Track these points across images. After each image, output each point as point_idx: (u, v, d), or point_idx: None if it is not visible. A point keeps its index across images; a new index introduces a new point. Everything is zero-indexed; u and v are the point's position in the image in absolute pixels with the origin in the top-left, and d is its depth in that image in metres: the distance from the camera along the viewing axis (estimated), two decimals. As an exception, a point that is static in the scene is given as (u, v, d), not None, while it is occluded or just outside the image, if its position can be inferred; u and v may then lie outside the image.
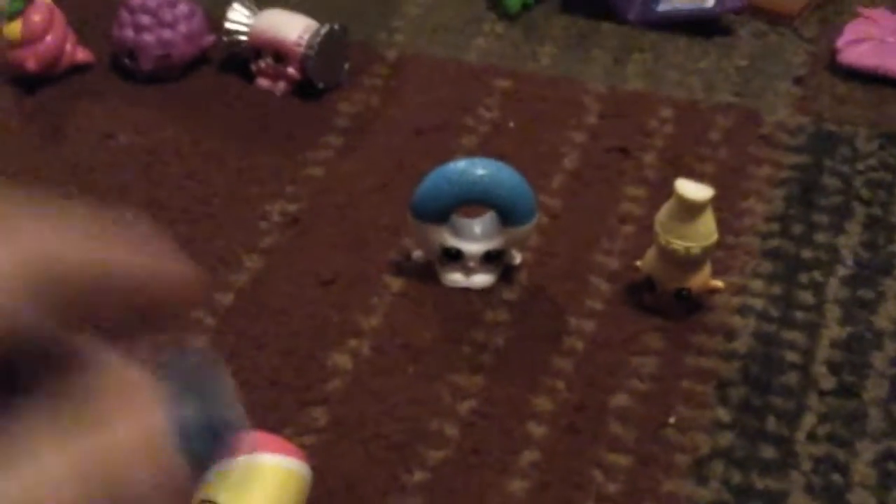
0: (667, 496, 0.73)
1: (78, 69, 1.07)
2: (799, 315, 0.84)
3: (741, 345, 0.82)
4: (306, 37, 1.00)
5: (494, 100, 1.04)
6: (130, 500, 0.37)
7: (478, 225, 0.86)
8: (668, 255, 0.81)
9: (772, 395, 0.79)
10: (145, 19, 1.02)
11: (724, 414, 0.78)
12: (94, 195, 0.94)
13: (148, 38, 1.02)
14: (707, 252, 0.81)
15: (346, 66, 1.03)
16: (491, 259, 0.86)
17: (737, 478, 0.74)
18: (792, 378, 0.80)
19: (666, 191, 0.88)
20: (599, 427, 0.77)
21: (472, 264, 0.86)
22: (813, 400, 0.79)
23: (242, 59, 1.04)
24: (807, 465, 0.75)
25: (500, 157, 0.86)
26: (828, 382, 0.80)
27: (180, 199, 0.94)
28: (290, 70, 1.00)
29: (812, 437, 0.77)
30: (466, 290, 0.86)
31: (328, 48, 1.01)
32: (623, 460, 0.75)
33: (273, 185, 0.95)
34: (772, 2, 1.12)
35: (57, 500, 0.35)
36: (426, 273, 0.87)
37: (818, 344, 0.82)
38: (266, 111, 1.03)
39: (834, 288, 0.86)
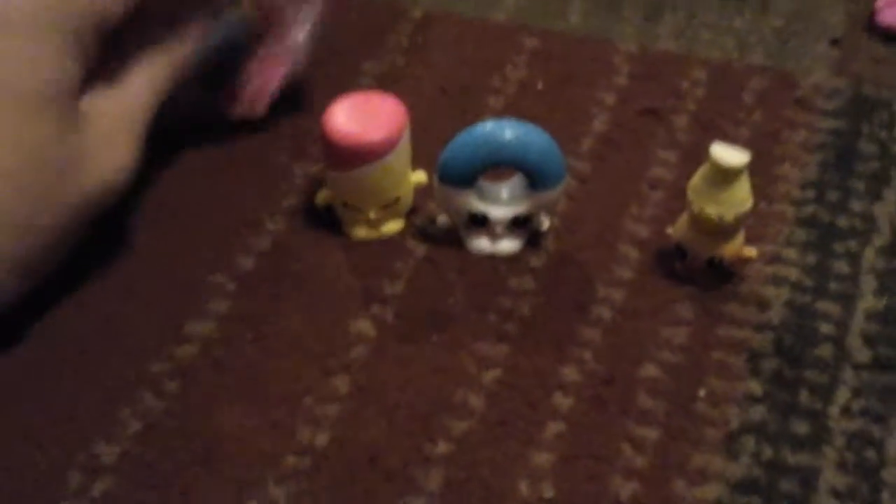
0: (696, 471, 0.72)
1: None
2: (833, 285, 0.82)
3: (774, 315, 0.80)
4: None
5: (522, 59, 1.02)
6: None
7: (505, 189, 0.84)
8: (700, 221, 0.79)
9: (805, 367, 0.77)
10: None
11: (755, 387, 0.76)
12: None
13: None
14: (741, 220, 0.79)
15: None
16: (518, 224, 0.84)
17: (768, 453, 0.72)
18: (826, 350, 0.78)
19: (698, 155, 0.85)
20: (627, 399, 0.75)
21: (498, 230, 0.84)
22: (847, 373, 0.77)
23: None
24: (840, 441, 0.73)
25: (528, 118, 0.83)
26: (863, 355, 0.78)
27: (202, 158, 0.92)
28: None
29: (846, 411, 0.75)
30: (492, 257, 0.84)
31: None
32: (651, 433, 0.73)
33: (296, 147, 0.93)
34: (809, -40, 1.09)
35: None
36: (451, 238, 0.85)
37: (853, 315, 0.80)
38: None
39: (870, 258, 0.84)
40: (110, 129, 0.79)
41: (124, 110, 0.81)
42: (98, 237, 0.85)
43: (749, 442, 0.73)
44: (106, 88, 0.80)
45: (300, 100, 0.97)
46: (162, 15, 0.84)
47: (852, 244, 0.85)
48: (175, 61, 0.84)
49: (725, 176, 0.77)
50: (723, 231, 0.79)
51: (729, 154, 0.77)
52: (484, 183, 0.84)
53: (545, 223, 0.86)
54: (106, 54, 0.79)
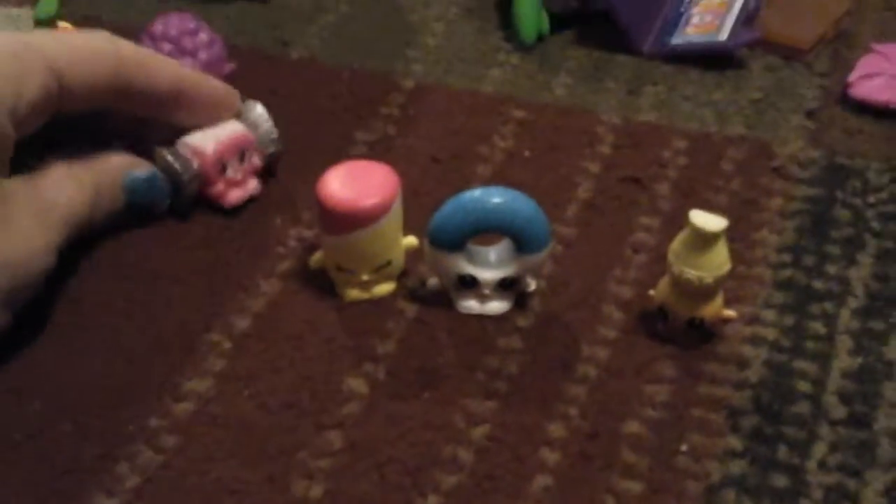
0: (678, 523, 0.74)
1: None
2: (810, 345, 0.85)
3: (753, 374, 0.83)
4: (252, 114, 0.96)
5: (510, 129, 1.05)
6: None
7: (493, 252, 0.87)
8: (681, 284, 0.82)
9: (783, 424, 0.80)
10: (166, 47, 1.03)
11: (735, 442, 0.78)
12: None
13: None
14: (720, 282, 0.82)
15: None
16: (505, 286, 0.87)
17: (748, 506, 0.75)
18: (803, 407, 0.81)
19: (679, 221, 0.89)
20: (612, 454, 0.78)
21: (486, 291, 0.87)
22: (824, 429, 0.79)
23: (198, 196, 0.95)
24: (818, 494, 0.75)
25: (516, 185, 0.86)
26: (839, 412, 0.80)
27: (199, 224, 0.95)
28: (255, 160, 0.95)
29: (823, 465, 0.77)
30: (481, 317, 0.87)
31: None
32: (635, 487, 0.76)
33: (290, 211, 0.96)
34: (785, 37, 1.14)
35: None
36: (441, 300, 0.88)
37: (829, 374, 0.83)
38: (284, 137, 1.03)
39: (845, 319, 0.87)
40: (27, 214, 0.81)
41: (44, 203, 0.83)
42: (94, 295, 0.88)
43: (730, 495, 0.75)
44: (31, 178, 0.84)
45: (295, 168, 1.01)
46: (122, 124, 0.92)
47: (828, 306, 0.88)
48: (108, 175, 0.89)
49: (704, 240, 0.80)
50: (703, 293, 0.82)
51: (708, 220, 0.80)
52: (473, 247, 0.87)
53: (532, 285, 0.89)
54: (40, 148, 0.85)
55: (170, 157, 0.91)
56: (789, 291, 0.90)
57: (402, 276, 0.90)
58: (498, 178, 0.99)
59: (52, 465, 0.77)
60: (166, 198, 0.93)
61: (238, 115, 0.95)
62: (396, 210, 0.87)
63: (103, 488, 0.75)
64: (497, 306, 0.88)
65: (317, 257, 0.89)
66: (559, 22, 1.17)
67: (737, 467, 0.77)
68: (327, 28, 1.19)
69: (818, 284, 0.90)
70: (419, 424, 0.79)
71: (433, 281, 0.89)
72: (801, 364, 0.84)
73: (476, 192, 0.85)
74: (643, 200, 0.98)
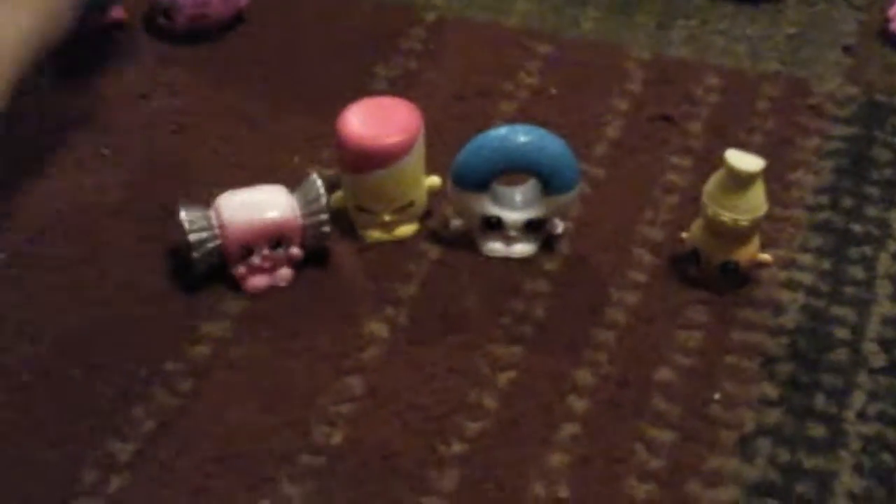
0: (711, 473, 0.71)
1: (111, 28, 1.05)
2: (849, 290, 0.82)
3: (789, 320, 0.80)
4: (298, 206, 0.82)
5: (535, 65, 1.02)
6: None
7: (519, 193, 0.84)
8: (715, 226, 0.79)
9: (820, 371, 0.77)
10: None
11: (770, 390, 0.76)
12: (127, 157, 0.93)
13: None
14: (756, 224, 0.79)
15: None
16: (532, 228, 0.84)
17: (784, 456, 0.72)
18: (841, 355, 0.78)
19: (711, 161, 0.86)
20: (642, 402, 0.75)
21: (512, 233, 0.84)
22: (863, 377, 0.77)
23: (218, 267, 0.82)
24: (856, 444, 0.73)
25: (541, 123, 0.83)
26: (878, 360, 0.78)
27: (214, 164, 0.92)
28: (294, 251, 0.82)
29: (862, 415, 0.74)
30: (506, 260, 0.84)
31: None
32: (666, 436, 0.73)
33: (309, 149, 0.93)
34: (822, -32, 1.09)
35: None
36: (465, 242, 0.85)
37: (868, 320, 0.80)
38: (302, 75, 1.01)
39: (885, 263, 0.84)
40: None
41: None
42: (106, 232, 0.86)
43: (764, 445, 0.73)
44: None
45: (314, 104, 0.97)
46: None
47: (867, 249, 0.85)
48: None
49: (741, 181, 0.77)
50: (737, 236, 0.79)
51: (744, 160, 0.77)
52: (498, 187, 0.84)
53: (559, 227, 0.86)
54: None
55: (186, 225, 0.80)
56: (827, 234, 0.86)
57: (424, 217, 0.87)
58: (523, 116, 0.95)
59: (64, 409, 0.74)
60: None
61: (295, 186, 0.83)
62: (419, 149, 0.84)
63: (118, 432, 0.73)
64: (523, 249, 0.85)
65: (337, 197, 0.87)
66: (587, -47, 1.13)
67: (772, 416, 0.74)
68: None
69: (857, 227, 0.87)
70: (442, 370, 0.77)
71: (457, 222, 0.86)
72: (839, 310, 0.81)
73: (502, 131, 0.82)
74: (674, 139, 0.94)
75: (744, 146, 0.89)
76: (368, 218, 0.86)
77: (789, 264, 0.84)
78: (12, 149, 0.92)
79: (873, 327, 0.79)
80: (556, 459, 0.72)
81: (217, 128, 0.95)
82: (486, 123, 0.93)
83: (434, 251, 0.85)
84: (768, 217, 0.81)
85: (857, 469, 0.71)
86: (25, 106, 0.97)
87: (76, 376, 0.76)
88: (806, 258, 0.84)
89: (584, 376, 0.77)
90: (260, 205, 0.81)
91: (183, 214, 0.80)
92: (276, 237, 0.81)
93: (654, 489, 0.70)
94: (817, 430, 0.73)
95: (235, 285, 0.82)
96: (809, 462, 0.72)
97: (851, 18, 1.07)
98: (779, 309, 0.81)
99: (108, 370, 0.77)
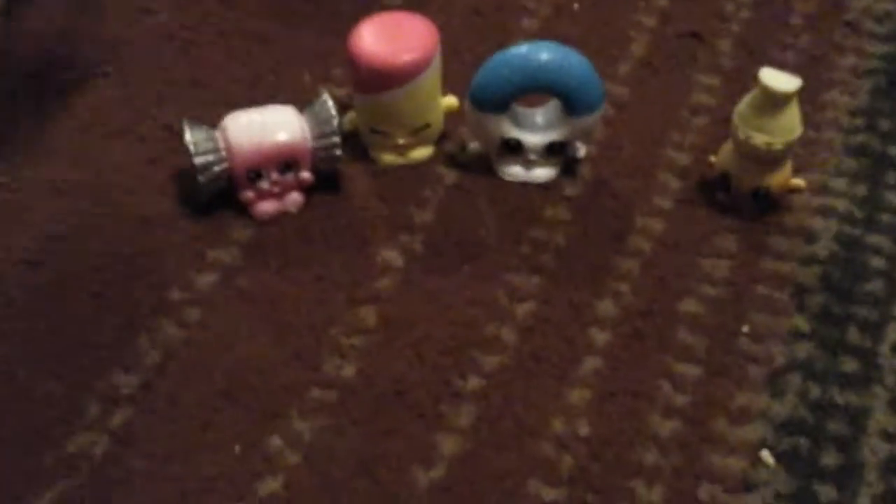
0: (739, 409, 0.68)
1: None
2: (885, 217, 0.79)
3: (821, 248, 0.77)
4: (308, 127, 0.79)
5: (557, -21, 0.97)
6: None
7: (540, 115, 0.80)
8: (747, 150, 0.75)
9: (854, 303, 0.74)
10: None
11: (801, 323, 0.73)
12: (131, 75, 0.89)
13: None
14: (789, 148, 0.75)
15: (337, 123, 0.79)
16: (553, 151, 0.80)
17: (815, 392, 0.69)
18: (876, 285, 0.75)
19: (742, 80, 0.82)
20: (667, 334, 0.72)
21: (532, 157, 0.80)
22: (898, 310, 0.73)
23: (225, 191, 0.79)
24: (891, 380, 0.70)
25: (564, 40, 0.79)
26: (915, 291, 0.74)
27: (222, 82, 0.89)
28: (304, 175, 0.79)
29: (897, 349, 0.71)
30: (525, 185, 0.81)
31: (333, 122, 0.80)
32: (692, 371, 0.70)
33: (320, 66, 0.90)
34: None
35: None
36: (483, 165, 0.82)
37: (905, 249, 0.77)
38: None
39: (923, 189, 0.80)
40: None
41: None
42: (111, 155, 0.83)
43: (795, 380, 0.70)
44: None
45: (325, 20, 0.93)
46: None
47: (904, 175, 0.81)
48: None
49: (775, 102, 0.73)
50: (770, 160, 0.76)
51: (779, 79, 0.73)
52: (518, 108, 0.80)
53: (581, 150, 0.82)
54: None
55: (191, 147, 0.76)
56: (862, 158, 0.82)
57: (440, 140, 0.84)
58: (544, 33, 0.91)
59: (68, 339, 0.72)
60: None
61: (305, 106, 0.80)
62: (435, 67, 0.80)
63: (122, 364, 0.71)
64: (543, 173, 0.81)
65: (350, 118, 0.83)
66: None
67: (803, 350, 0.71)
68: None
69: (893, 151, 0.83)
70: (459, 300, 0.74)
71: (474, 145, 0.83)
72: (874, 238, 0.77)
73: (522, 48, 0.78)
74: (703, 57, 0.90)
75: (776, 64, 0.85)
76: (382, 140, 0.82)
77: (823, 190, 0.80)
78: (12, 66, 0.89)
79: (911, 257, 0.76)
80: (577, 395, 0.69)
81: (224, 44, 0.92)
82: (506, 40, 0.89)
83: (450, 175, 0.82)
84: (801, 140, 0.77)
85: (892, 405, 0.69)
86: (25, 20, 0.94)
87: (80, 305, 0.74)
88: (840, 183, 0.81)
89: (606, 307, 0.74)
90: (268, 126, 0.78)
91: (188, 136, 0.77)
92: (285, 160, 0.78)
93: (678, 426, 0.68)
94: (850, 365, 0.71)
95: (244, 210, 0.79)
96: (842, 398, 0.69)
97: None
98: (811, 237, 0.77)
99: (112, 299, 0.74)
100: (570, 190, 0.81)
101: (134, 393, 0.70)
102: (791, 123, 0.74)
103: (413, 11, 0.83)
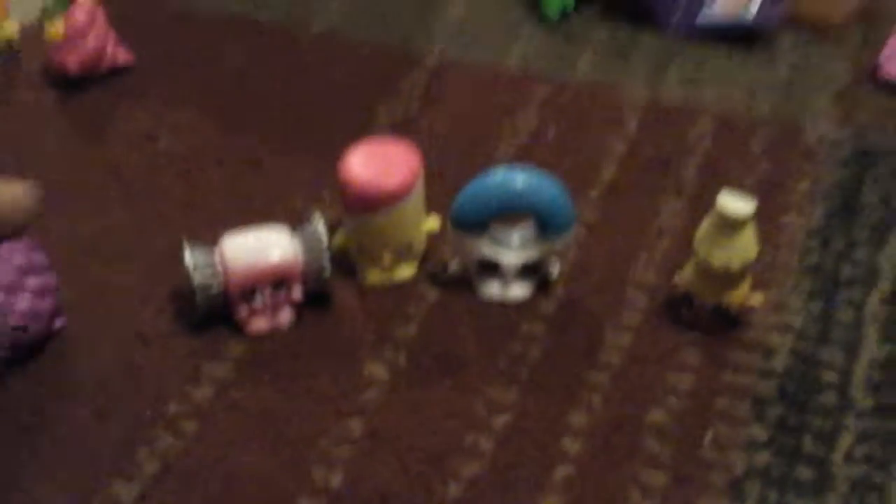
0: (702, 515, 0.73)
1: (119, 70, 1.07)
2: (837, 333, 0.84)
3: (779, 362, 0.82)
4: (300, 248, 0.83)
5: (533, 108, 1.04)
6: None
7: (516, 235, 0.86)
8: (707, 269, 0.81)
9: (809, 413, 0.78)
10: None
11: (760, 432, 0.77)
12: (133, 199, 0.95)
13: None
14: (747, 267, 0.81)
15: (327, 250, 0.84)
16: (528, 270, 0.86)
17: (773, 498, 0.74)
18: (829, 397, 0.80)
19: (705, 203, 0.87)
20: (635, 443, 0.77)
21: (509, 275, 0.86)
22: (850, 420, 0.78)
23: (219, 311, 0.84)
24: (844, 487, 0.74)
25: (538, 166, 0.85)
26: (865, 403, 0.79)
27: (219, 204, 0.94)
28: (295, 293, 0.84)
29: (849, 457, 0.76)
30: (503, 302, 0.86)
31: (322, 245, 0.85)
32: (659, 478, 0.75)
33: (311, 189, 0.95)
34: (813, 14, 1.11)
35: None
36: (463, 284, 0.87)
37: (856, 363, 0.82)
38: (306, 115, 1.03)
39: (873, 306, 0.86)
40: None
41: None
42: (113, 276, 0.87)
43: (754, 487, 0.74)
44: None
45: (316, 146, 0.99)
46: None
47: (856, 293, 0.87)
48: None
49: (732, 224, 0.79)
50: (729, 278, 0.81)
51: (736, 203, 0.79)
52: (496, 229, 0.86)
53: (555, 269, 0.87)
54: None
55: (191, 268, 0.81)
56: (817, 277, 0.88)
57: (423, 260, 0.89)
58: (521, 158, 0.98)
59: (70, 450, 0.76)
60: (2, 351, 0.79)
61: (297, 227, 0.85)
62: (418, 191, 0.86)
63: (123, 474, 0.75)
64: (520, 291, 0.87)
65: (338, 238, 0.88)
66: (584, -3, 1.15)
67: (761, 458, 0.76)
68: (348, 2, 1.17)
69: (846, 270, 0.89)
70: (440, 412, 0.79)
71: (455, 264, 0.88)
72: (827, 352, 0.83)
73: (499, 173, 0.84)
74: (669, 182, 0.96)
75: (737, 189, 0.91)
76: (369, 259, 0.87)
77: (780, 307, 0.86)
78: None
79: (860, 370, 0.81)
80: (551, 501, 0.73)
81: (221, 169, 0.97)
82: (485, 165, 0.94)
83: (432, 294, 0.87)
84: (759, 259, 0.83)
85: (845, 511, 0.73)
86: (40, 154, 0.99)
87: (82, 418, 0.78)
88: (796, 300, 0.86)
89: (578, 418, 0.78)
90: (263, 247, 0.83)
91: (188, 257, 0.82)
92: (278, 279, 0.83)
93: (645, 531, 0.72)
94: (805, 473, 0.75)
95: (238, 327, 0.84)
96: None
97: (843, 63, 1.09)
98: (769, 352, 0.83)
99: (113, 412, 0.79)
100: (544, 307, 0.86)
101: (134, 502, 0.74)
102: (747, 245, 0.80)
103: (398, 139, 0.89)
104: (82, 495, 0.74)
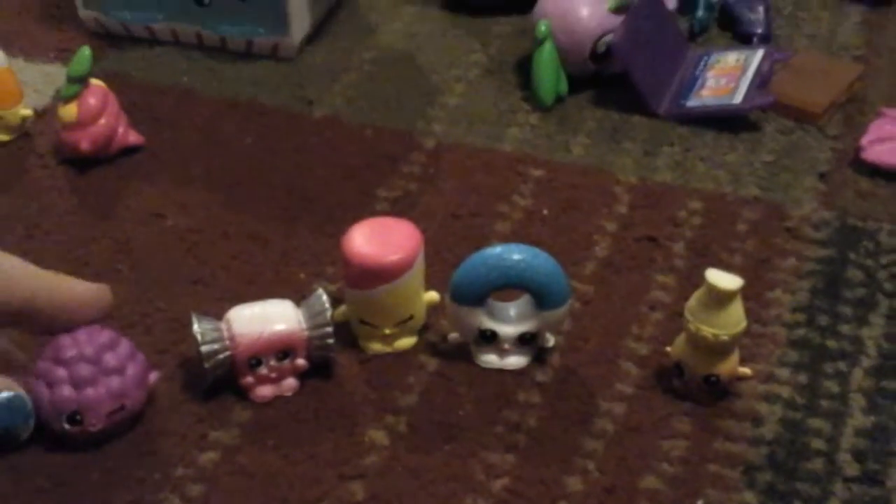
0: (695, 578, 0.75)
1: (129, 151, 1.11)
2: (824, 403, 0.87)
3: (768, 431, 0.84)
4: (304, 319, 0.86)
5: (528, 188, 1.08)
6: None
7: (513, 308, 0.89)
8: (697, 341, 0.84)
9: (798, 480, 0.81)
10: (85, 370, 0.82)
11: (751, 498, 0.80)
12: (142, 273, 0.98)
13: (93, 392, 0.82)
14: (735, 339, 0.84)
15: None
16: (525, 341, 0.89)
17: (763, 561, 0.76)
18: (817, 464, 0.82)
19: (694, 279, 0.91)
20: (629, 508, 0.79)
21: (506, 346, 0.88)
22: (838, 486, 0.80)
23: (226, 379, 0.86)
24: (832, 551, 0.77)
25: (534, 243, 0.89)
26: (852, 470, 0.82)
27: (226, 279, 0.97)
28: (299, 361, 0.86)
29: (837, 523, 0.78)
30: (500, 371, 0.89)
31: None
32: (652, 541, 0.77)
33: (315, 265, 0.99)
34: (798, 100, 1.16)
35: None
36: (462, 354, 0.90)
37: (843, 432, 0.84)
38: (309, 194, 1.06)
39: (858, 378, 0.89)
40: None
41: None
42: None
43: (745, 550, 0.76)
44: None
45: (319, 224, 1.03)
46: None
47: (842, 365, 0.90)
48: None
49: (720, 299, 0.82)
50: (719, 350, 0.84)
51: (723, 279, 0.82)
52: (493, 302, 0.89)
53: (551, 340, 0.90)
54: None
55: (199, 337, 0.84)
56: (803, 350, 0.91)
57: (423, 331, 0.92)
58: (517, 236, 1.01)
59: (80, 512, 0.78)
60: (29, 421, 0.81)
61: (301, 301, 0.87)
62: (419, 266, 0.89)
63: (131, 536, 0.77)
64: (517, 361, 0.89)
65: (340, 311, 0.91)
66: (577, 83, 1.20)
67: (752, 523, 0.78)
68: (350, 87, 1.22)
69: (832, 343, 0.92)
70: (440, 476, 0.81)
71: (454, 335, 0.91)
72: (815, 422, 0.85)
73: (497, 249, 0.87)
74: (659, 259, 1.00)
75: (724, 266, 0.95)
76: (370, 331, 0.90)
77: (768, 378, 0.89)
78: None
79: (847, 438, 0.84)
80: (548, 563, 0.76)
81: (228, 245, 1.01)
82: (483, 242, 0.99)
83: (432, 363, 0.90)
84: (748, 333, 0.86)
85: (833, 574, 0.75)
86: (50, 229, 1.03)
87: (91, 482, 0.80)
88: (784, 372, 0.89)
89: (573, 483, 0.81)
90: (268, 318, 0.86)
91: (196, 326, 0.85)
92: (282, 349, 0.86)
93: (640, 592, 0.74)
94: (795, 537, 0.77)
95: (243, 394, 0.86)
96: (788, 567, 0.75)
97: (826, 146, 1.13)
98: (758, 420, 0.85)
99: (120, 476, 0.81)
100: (540, 376, 0.89)
101: (141, 561, 0.76)
102: (736, 317, 0.83)
103: (399, 217, 0.92)
104: (91, 555, 0.75)
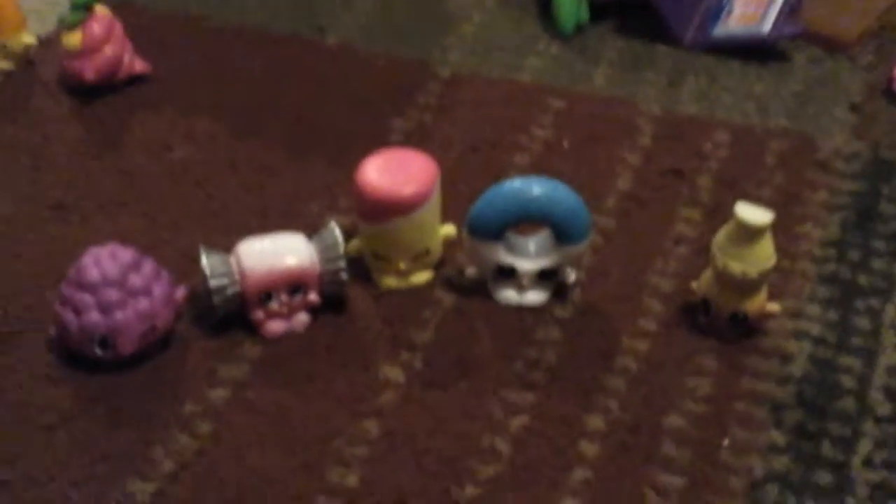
0: (720, 519, 0.73)
1: (135, 80, 1.08)
2: (855, 340, 0.84)
3: (796, 369, 0.82)
4: (316, 253, 0.84)
5: (548, 119, 1.04)
6: None
7: (532, 243, 0.86)
8: (724, 277, 0.81)
9: (827, 419, 0.78)
10: (112, 294, 0.80)
11: (778, 437, 0.77)
12: (149, 206, 0.95)
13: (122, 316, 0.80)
14: (764, 276, 0.81)
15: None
16: (544, 277, 0.86)
17: (791, 502, 0.73)
18: (848, 403, 0.79)
19: (720, 214, 0.88)
20: (652, 447, 0.76)
21: (525, 282, 0.86)
22: (869, 426, 0.78)
23: (236, 313, 0.84)
24: (863, 492, 0.74)
25: (555, 175, 0.86)
26: (884, 408, 0.79)
27: (236, 212, 0.95)
28: (311, 297, 0.84)
29: (868, 462, 0.76)
30: (519, 308, 0.86)
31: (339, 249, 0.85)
32: (676, 481, 0.74)
33: (327, 197, 0.96)
34: (828, 29, 1.12)
35: None
36: (479, 289, 0.87)
37: (874, 370, 0.82)
38: (321, 125, 1.03)
39: (891, 314, 0.86)
40: None
41: None
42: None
43: (772, 491, 0.74)
44: None
45: (332, 155, 1.00)
46: None
47: (873, 301, 0.87)
48: None
49: (750, 234, 0.79)
50: (746, 287, 0.81)
51: (753, 213, 0.79)
52: (512, 236, 0.86)
53: (571, 276, 0.87)
54: None
55: (207, 271, 0.81)
56: (834, 286, 0.88)
57: (439, 265, 0.89)
58: (536, 168, 0.98)
59: (86, 450, 0.76)
60: None
61: (313, 234, 0.85)
62: (435, 199, 0.86)
63: (138, 473, 0.75)
64: (536, 297, 0.87)
65: (354, 244, 0.89)
66: (599, 11, 1.16)
67: (780, 463, 0.76)
68: (364, 14, 1.18)
69: (863, 279, 0.89)
70: (456, 414, 0.78)
71: (471, 270, 0.88)
72: (845, 359, 0.82)
73: (516, 182, 0.84)
74: (684, 192, 0.96)
75: (752, 199, 0.91)
76: (384, 265, 0.88)
77: (797, 315, 0.86)
78: (39, 193, 0.94)
79: (879, 377, 0.81)
80: (568, 503, 0.73)
81: (237, 177, 0.98)
82: (501, 175, 0.96)
83: (448, 298, 0.87)
84: (777, 269, 0.83)
85: (864, 516, 0.73)
86: (55, 161, 1.00)
87: (99, 418, 0.78)
88: (813, 309, 0.86)
89: (595, 422, 0.78)
90: (279, 252, 0.83)
91: (204, 261, 0.82)
92: (294, 283, 0.83)
93: (663, 533, 0.72)
94: (824, 478, 0.75)
95: (254, 330, 0.84)
96: (817, 508, 0.73)
97: (858, 76, 1.09)
98: (786, 358, 0.82)
99: (129, 412, 0.79)
100: (560, 312, 0.86)
101: (149, 500, 0.73)
102: (765, 253, 0.80)
103: (415, 148, 0.89)
104: (98, 493, 0.73)
